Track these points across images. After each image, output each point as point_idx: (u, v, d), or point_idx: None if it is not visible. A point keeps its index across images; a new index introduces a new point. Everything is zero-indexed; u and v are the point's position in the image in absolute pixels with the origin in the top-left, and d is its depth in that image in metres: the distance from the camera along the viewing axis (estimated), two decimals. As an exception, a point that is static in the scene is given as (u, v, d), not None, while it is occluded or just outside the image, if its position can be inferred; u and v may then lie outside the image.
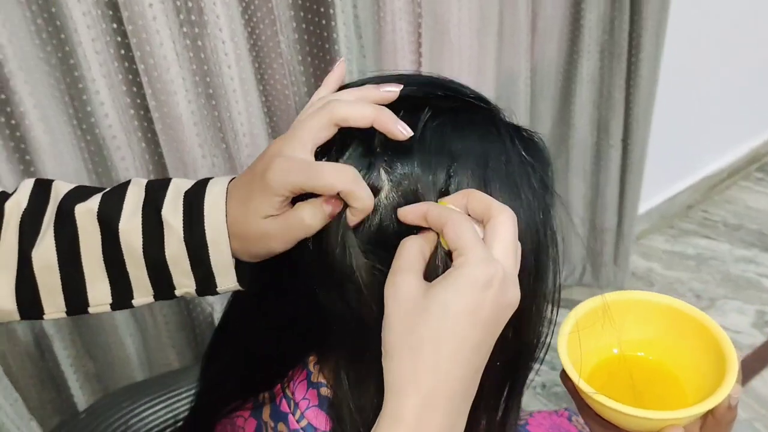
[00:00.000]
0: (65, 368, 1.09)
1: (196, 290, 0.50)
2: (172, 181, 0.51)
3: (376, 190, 0.46)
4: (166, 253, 0.48)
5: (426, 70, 1.28)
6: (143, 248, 0.48)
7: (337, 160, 0.47)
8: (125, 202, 0.49)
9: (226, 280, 0.49)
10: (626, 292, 0.60)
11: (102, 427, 0.76)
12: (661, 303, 0.60)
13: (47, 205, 0.49)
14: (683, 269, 2.06)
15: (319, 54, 1.10)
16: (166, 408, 0.79)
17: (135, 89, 0.97)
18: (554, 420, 0.95)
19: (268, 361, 0.58)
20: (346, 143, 0.48)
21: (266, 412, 0.57)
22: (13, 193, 0.52)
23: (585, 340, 0.56)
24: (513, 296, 0.42)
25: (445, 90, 0.52)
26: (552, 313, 0.51)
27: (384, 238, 0.47)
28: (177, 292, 0.50)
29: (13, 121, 0.89)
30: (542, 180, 0.51)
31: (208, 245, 0.48)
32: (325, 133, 0.46)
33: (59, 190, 0.51)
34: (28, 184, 0.52)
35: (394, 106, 0.47)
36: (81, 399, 1.12)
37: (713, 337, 0.55)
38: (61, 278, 0.49)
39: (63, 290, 0.49)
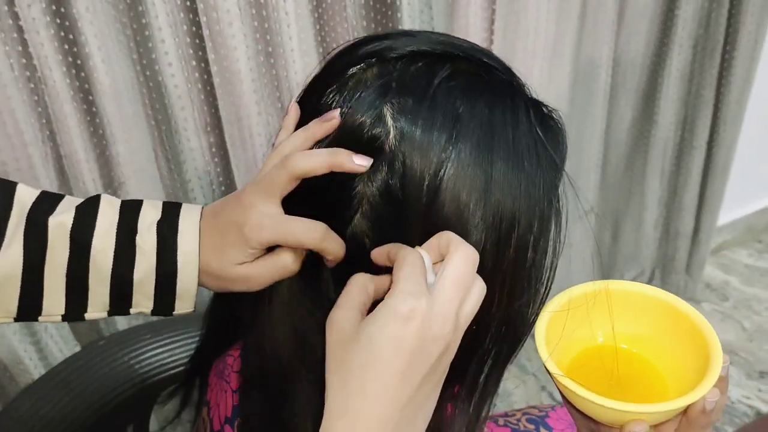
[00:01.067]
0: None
1: (151, 311, 0.53)
2: (144, 204, 0.53)
3: (380, 143, 0.47)
4: (134, 277, 0.50)
5: (497, 49, 1.25)
6: (112, 269, 0.50)
7: (350, 101, 0.49)
8: (98, 220, 0.51)
9: (185, 305, 0.53)
10: (623, 282, 0.58)
11: (119, 354, 0.81)
12: (655, 297, 0.57)
13: (10, 211, 0.50)
14: (763, 287, 1.94)
15: (382, 21, 1.09)
16: (182, 347, 0.84)
17: (198, 41, 0.99)
18: (577, 418, 0.93)
19: None
20: (359, 86, 0.49)
21: None
22: None
23: (569, 325, 0.54)
24: (438, 331, 0.41)
25: (469, 54, 0.51)
26: (543, 291, 0.51)
27: (389, 196, 0.48)
28: (132, 311, 0.53)
29: (78, 61, 0.94)
30: (552, 158, 0.50)
31: (178, 276, 0.51)
32: (290, 186, 0.49)
33: (23, 198, 0.51)
34: None
35: (415, 60, 0.49)
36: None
37: (704, 339, 0.53)
38: (20, 287, 0.50)
39: (19, 299, 0.50)
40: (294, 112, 0.54)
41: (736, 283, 1.97)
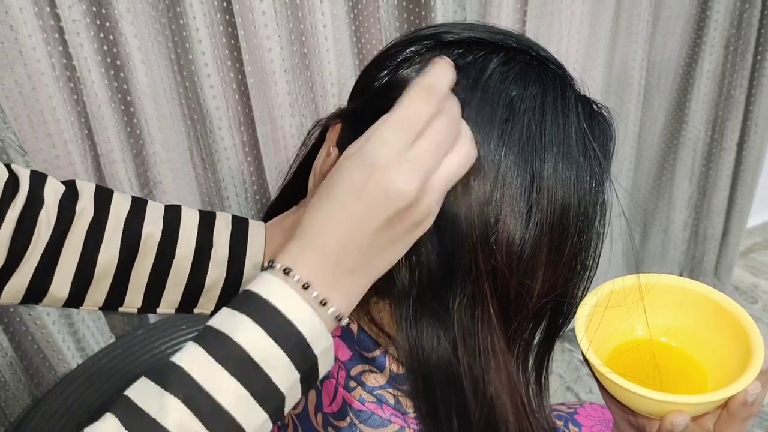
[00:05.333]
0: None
1: (211, 312, 0.60)
2: (217, 220, 0.60)
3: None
4: (205, 284, 0.58)
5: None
6: (188, 277, 0.58)
7: (404, 69, 0.49)
8: (180, 234, 0.58)
9: None
10: (663, 275, 0.58)
11: (157, 343, 0.82)
12: (696, 291, 0.57)
13: (107, 218, 0.57)
14: (793, 290, 1.93)
15: (416, 21, 1.09)
16: None
17: (233, 41, 1.00)
18: (605, 414, 0.93)
19: None
20: (414, 66, 0.49)
21: None
22: (72, 191, 0.58)
23: (608, 317, 0.54)
24: (399, 187, 0.39)
25: (525, 46, 0.52)
26: (587, 278, 0.52)
27: None
28: (195, 311, 0.60)
29: (118, 62, 0.95)
30: (599, 152, 0.50)
31: (243, 283, 0.58)
32: None
33: (119, 207, 0.58)
34: (89, 191, 0.58)
35: (471, 47, 0.50)
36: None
37: (745, 333, 0.52)
38: (111, 284, 0.57)
39: (107, 293, 0.57)
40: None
41: (766, 285, 1.95)
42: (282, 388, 0.39)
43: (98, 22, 0.92)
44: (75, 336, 1.04)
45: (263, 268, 0.41)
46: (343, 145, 0.52)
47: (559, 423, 0.92)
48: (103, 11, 0.91)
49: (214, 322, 0.39)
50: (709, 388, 0.51)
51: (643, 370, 0.55)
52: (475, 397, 0.48)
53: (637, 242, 1.79)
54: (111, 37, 0.93)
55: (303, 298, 0.39)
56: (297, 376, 0.39)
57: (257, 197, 1.15)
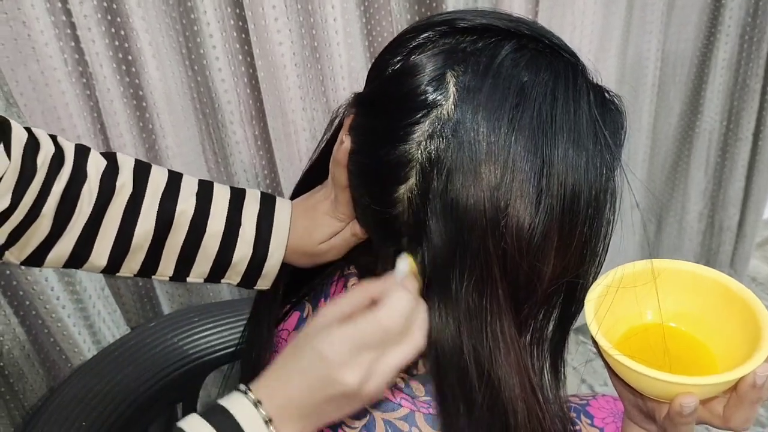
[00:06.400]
0: (159, 291, 1.18)
1: (237, 283, 0.64)
2: (246, 197, 0.64)
3: (438, 107, 0.47)
4: (233, 259, 0.62)
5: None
6: (217, 251, 0.62)
7: (416, 55, 0.50)
8: (211, 211, 0.62)
9: (265, 282, 0.64)
10: (673, 261, 0.57)
11: (170, 335, 0.84)
12: (706, 276, 0.56)
13: (145, 193, 0.61)
14: (810, 281, 1.90)
15: (427, 13, 1.09)
16: (229, 329, 0.88)
17: (244, 35, 1.00)
18: (618, 406, 0.93)
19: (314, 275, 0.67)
20: (426, 50, 0.50)
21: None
22: (113, 166, 0.62)
23: (618, 302, 0.54)
24: (342, 381, 0.47)
25: (537, 33, 0.52)
26: (597, 264, 0.53)
27: (440, 163, 0.48)
28: (222, 281, 0.64)
29: (129, 57, 0.96)
30: (609, 139, 0.50)
31: (267, 261, 0.62)
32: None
33: (156, 183, 0.62)
34: (128, 166, 0.62)
35: (484, 33, 0.50)
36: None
37: (756, 318, 0.51)
38: (145, 255, 0.61)
39: (142, 263, 0.61)
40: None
41: (783, 277, 1.94)
42: None
43: (109, 17, 0.93)
44: (91, 329, 1.05)
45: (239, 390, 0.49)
46: (355, 130, 0.53)
47: (572, 415, 0.92)
48: (114, 6, 0.92)
49: (187, 426, 0.46)
50: (719, 373, 0.50)
51: (653, 354, 0.55)
52: (480, 380, 0.49)
53: (652, 233, 1.78)
54: (122, 32, 0.94)
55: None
56: None
57: (270, 191, 1.16)
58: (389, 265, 0.52)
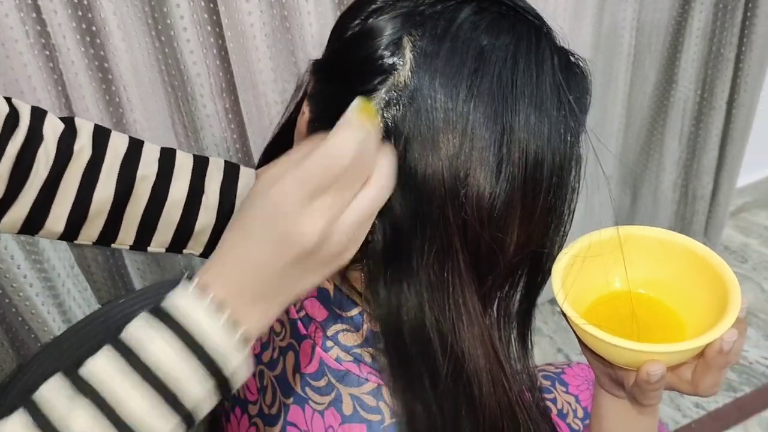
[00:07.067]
0: (131, 268, 1.16)
1: (200, 254, 0.63)
2: (210, 165, 0.62)
3: (395, 72, 0.46)
4: (195, 228, 0.60)
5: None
6: (179, 220, 0.60)
7: (374, 19, 0.48)
8: (173, 177, 0.60)
9: None
10: (640, 227, 0.57)
11: (138, 309, 0.83)
12: (674, 241, 0.56)
13: (104, 158, 0.59)
14: (783, 249, 1.93)
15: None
16: None
17: (212, 5, 0.98)
18: (592, 374, 0.94)
19: None
20: (382, 14, 0.48)
21: None
22: (70, 129, 0.59)
23: (586, 271, 0.53)
24: (301, 236, 0.41)
25: None
26: (562, 232, 0.52)
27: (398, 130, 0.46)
28: (184, 251, 0.62)
29: (93, 28, 0.93)
30: (574, 104, 0.49)
31: None
32: None
33: (116, 147, 0.60)
34: (87, 130, 0.60)
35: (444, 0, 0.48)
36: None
37: (723, 282, 0.51)
38: (104, 222, 0.59)
39: (101, 230, 0.59)
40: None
41: (756, 245, 1.96)
42: (198, 396, 0.41)
43: (71, -14, 0.90)
44: (60, 307, 1.04)
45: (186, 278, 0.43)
46: (314, 98, 0.52)
47: (547, 383, 0.92)
48: (76, -24, 0.89)
49: (132, 327, 0.41)
50: (688, 338, 0.50)
51: (621, 322, 0.55)
52: (443, 352, 0.48)
53: (628, 204, 1.79)
54: (85, 2, 0.91)
55: (215, 318, 0.41)
56: (213, 383, 0.42)
57: (242, 164, 1.14)
58: None
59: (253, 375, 0.61)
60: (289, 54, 1.06)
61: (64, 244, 1.04)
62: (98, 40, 0.94)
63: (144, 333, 0.41)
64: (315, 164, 0.41)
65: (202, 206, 0.60)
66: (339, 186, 0.41)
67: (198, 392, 0.41)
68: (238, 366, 0.42)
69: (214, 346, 0.41)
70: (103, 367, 0.40)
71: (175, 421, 0.41)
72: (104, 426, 0.39)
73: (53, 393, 0.40)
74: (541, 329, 1.70)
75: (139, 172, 0.59)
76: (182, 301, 0.41)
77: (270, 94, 1.07)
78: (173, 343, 0.40)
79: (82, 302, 1.07)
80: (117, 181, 0.58)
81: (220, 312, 0.41)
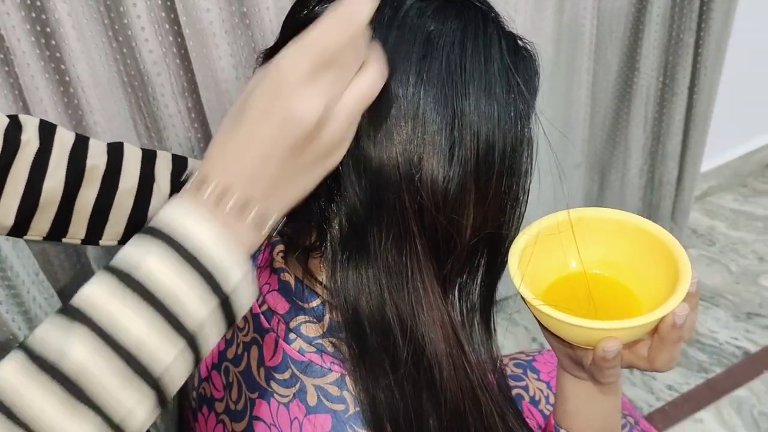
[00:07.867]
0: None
1: None
2: (158, 157, 0.60)
3: None
4: (149, 216, 0.58)
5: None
6: (132, 209, 0.59)
7: (321, 6, 0.48)
8: (123, 167, 0.59)
9: None
10: (596, 209, 0.58)
11: None
12: (626, 221, 0.57)
13: (52, 149, 0.57)
14: (749, 230, 1.96)
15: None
16: None
17: (169, 3, 0.97)
18: (562, 361, 0.95)
19: None
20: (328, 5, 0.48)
21: None
22: (15, 124, 0.58)
23: (542, 253, 0.54)
24: (300, 115, 0.39)
25: None
26: (517, 214, 0.53)
27: None
28: None
29: (48, 29, 0.91)
30: (523, 87, 0.50)
31: None
32: None
33: (64, 139, 0.59)
34: (33, 123, 0.59)
35: None
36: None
37: (674, 258, 0.53)
38: (55, 214, 0.57)
39: (52, 222, 0.58)
40: None
41: (722, 227, 1.99)
42: (200, 315, 0.38)
43: (23, -12, 0.88)
44: (26, 315, 1.02)
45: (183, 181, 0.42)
46: None
47: (519, 371, 0.93)
48: (28, -24, 0.88)
49: (122, 251, 0.39)
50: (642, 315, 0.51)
51: (578, 303, 0.56)
52: (403, 336, 0.48)
53: (596, 191, 1.80)
54: (38, 3, 0.89)
55: (208, 228, 0.39)
56: (216, 301, 0.39)
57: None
58: (310, 231, 0.51)
59: (219, 372, 0.61)
60: (251, 51, 1.05)
61: (27, 250, 1.02)
62: (53, 42, 0.93)
63: (135, 251, 0.38)
64: (320, 31, 0.39)
65: (154, 194, 0.60)
66: (340, 64, 0.40)
67: (198, 309, 0.38)
68: (239, 282, 0.40)
69: (211, 258, 0.38)
70: (94, 291, 0.38)
71: (180, 345, 0.38)
72: (104, 353, 0.36)
73: (48, 326, 0.37)
74: (515, 319, 1.71)
75: (89, 162, 0.58)
76: (171, 212, 0.39)
77: (233, 92, 1.06)
78: (166, 257, 0.38)
79: (49, 309, 1.06)
80: (67, 171, 0.57)
81: (222, 205, 0.39)
